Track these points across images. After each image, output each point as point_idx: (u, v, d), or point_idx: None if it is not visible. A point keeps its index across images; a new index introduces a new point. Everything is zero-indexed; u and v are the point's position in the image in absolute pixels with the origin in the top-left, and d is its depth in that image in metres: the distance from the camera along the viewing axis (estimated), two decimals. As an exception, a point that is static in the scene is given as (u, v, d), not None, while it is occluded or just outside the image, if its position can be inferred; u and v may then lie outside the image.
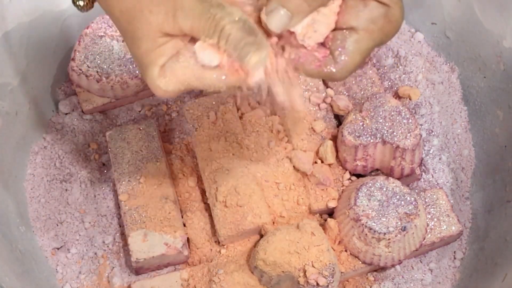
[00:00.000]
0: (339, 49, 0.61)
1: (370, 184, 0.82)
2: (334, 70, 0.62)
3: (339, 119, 0.92)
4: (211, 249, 0.84)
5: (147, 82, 0.61)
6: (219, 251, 0.84)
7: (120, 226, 0.88)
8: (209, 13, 0.57)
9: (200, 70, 0.59)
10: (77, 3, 0.65)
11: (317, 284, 0.76)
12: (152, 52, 0.60)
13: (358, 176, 0.88)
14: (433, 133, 0.94)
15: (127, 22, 0.60)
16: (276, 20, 0.59)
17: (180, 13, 0.57)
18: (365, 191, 0.81)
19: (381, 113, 0.85)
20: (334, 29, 0.62)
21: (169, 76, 0.60)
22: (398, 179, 0.84)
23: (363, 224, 0.80)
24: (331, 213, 0.86)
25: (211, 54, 0.59)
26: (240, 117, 0.90)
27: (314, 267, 0.77)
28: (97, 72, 0.90)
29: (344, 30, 0.62)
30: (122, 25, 0.61)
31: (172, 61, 0.60)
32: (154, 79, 0.60)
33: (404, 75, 0.97)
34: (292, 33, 0.61)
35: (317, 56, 0.62)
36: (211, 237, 0.85)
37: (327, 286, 0.76)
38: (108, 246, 0.88)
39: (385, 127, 0.85)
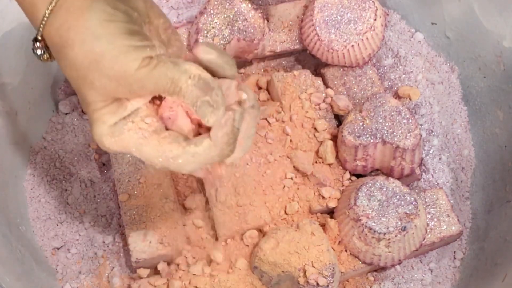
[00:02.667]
0: None
1: (370, 184, 0.82)
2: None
3: (339, 119, 0.92)
4: (211, 249, 0.84)
5: (92, 134, 0.62)
6: (219, 251, 0.84)
7: (120, 226, 0.88)
8: (165, 77, 0.60)
9: (146, 141, 0.62)
10: (41, 57, 0.65)
11: (317, 284, 0.76)
12: (99, 111, 0.61)
13: (358, 176, 0.88)
14: (433, 133, 0.94)
15: (78, 87, 0.61)
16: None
17: (138, 84, 0.60)
18: (365, 191, 0.81)
19: (381, 113, 0.85)
20: None
21: (116, 139, 0.62)
22: (398, 179, 0.84)
23: (363, 224, 0.80)
24: (331, 213, 0.86)
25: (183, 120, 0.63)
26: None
27: (314, 267, 0.77)
28: (97, 72, 0.90)
29: None
30: (74, 87, 0.62)
31: (123, 124, 0.62)
32: (100, 135, 0.62)
33: (404, 75, 0.97)
34: None
35: None
36: (211, 237, 0.85)
37: (327, 286, 0.76)
38: (108, 246, 0.88)
39: (385, 127, 0.85)
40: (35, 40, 0.62)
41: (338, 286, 0.82)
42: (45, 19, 0.60)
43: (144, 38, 0.61)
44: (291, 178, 0.86)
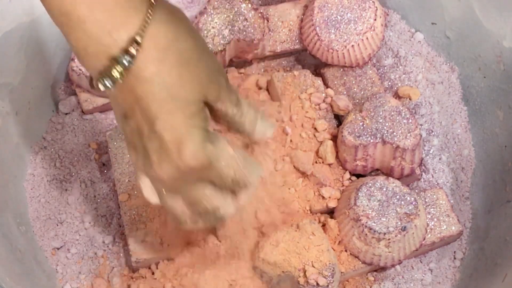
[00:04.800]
0: None
1: (370, 184, 0.82)
2: None
3: (339, 119, 0.92)
4: (212, 249, 0.84)
5: (185, 146, 0.59)
6: (219, 251, 0.84)
7: (120, 226, 0.88)
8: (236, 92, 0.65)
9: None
10: (104, 82, 0.59)
11: (317, 284, 0.76)
12: (197, 116, 0.60)
13: (358, 176, 0.88)
14: (433, 133, 0.94)
15: (175, 83, 0.59)
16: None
17: (225, 83, 0.64)
18: (365, 191, 0.81)
19: (381, 113, 0.85)
20: None
21: (215, 145, 0.61)
22: (398, 179, 0.84)
23: (363, 224, 0.80)
24: (331, 213, 0.86)
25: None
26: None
27: (314, 267, 0.77)
28: (97, 72, 0.90)
29: None
30: (163, 96, 0.58)
31: (214, 136, 0.62)
32: (201, 141, 0.60)
33: (404, 75, 0.97)
34: None
35: None
36: (211, 237, 0.85)
37: (327, 286, 0.76)
38: (108, 246, 0.88)
39: (385, 127, 0.85)
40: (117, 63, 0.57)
41: (338, 286, 0.82)
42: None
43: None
44: (291, 178, 0.86)
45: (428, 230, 0.84)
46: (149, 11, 0.56)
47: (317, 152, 0.88)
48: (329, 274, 0.77)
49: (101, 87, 0.57)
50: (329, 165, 0.87)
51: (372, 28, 0.91)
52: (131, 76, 0.56)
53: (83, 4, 0.54)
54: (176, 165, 0.60)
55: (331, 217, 0.85)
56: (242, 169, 0.64)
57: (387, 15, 1.00)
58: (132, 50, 0.55)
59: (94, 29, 0.55)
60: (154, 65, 0.56)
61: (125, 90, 0.57)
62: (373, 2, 0.92)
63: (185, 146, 0.59)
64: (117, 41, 0.55)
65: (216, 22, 0.91)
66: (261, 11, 0.94)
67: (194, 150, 0.59)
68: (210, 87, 0.61)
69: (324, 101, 0.91)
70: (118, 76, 0.56)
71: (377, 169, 0.88)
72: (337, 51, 0.91)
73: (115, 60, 0.55)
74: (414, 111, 0.94)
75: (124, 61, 0.55)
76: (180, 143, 0.59)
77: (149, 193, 0.66)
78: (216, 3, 0.92)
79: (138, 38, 0.55)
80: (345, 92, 0.93)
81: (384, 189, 0.81)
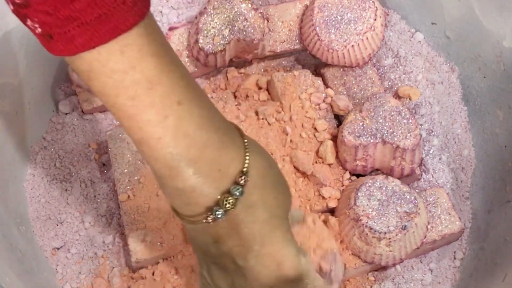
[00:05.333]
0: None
1: (370, 184, 0.82)
2: None
3: (339, 119, 0.92)
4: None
5: (286, 258, 0.64)
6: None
7: (120, 226, 0.88)
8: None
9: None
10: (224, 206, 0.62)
11: (320, 269, 0.76)
12: (290, 233, 0.65)
13: (358, 176, 0.88)
14: (433, 133, 0.94)
15: (275, 204, 0.63)
16: None
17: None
18: (364, 190, 0.81)
19: (381, 113, 0.85)
20: None
21: (300, 257, 0.66)
22: (398, 179, 0.84)
23: (363, 224, 0.80)
24: (331, 213, 0.86)
25: None
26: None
27: (315, 254, 0.77)
28: (97, 72, 0.90)
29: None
30: (270, 209, 0.63)
31: (301, 250, 0.67)
32: (295, 254, 0.65)
33: (404, 75, 0.97)
34: None
35: None
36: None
37: (330, 272, 0.76)
38: (108, 246, 0.87)
39: (385, 127, 0.85)
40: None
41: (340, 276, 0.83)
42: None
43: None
44: (291, 178, 0.86)
45: (429, 228, 0.84)
46: (245, 145, 0.61)
47: (317, 152, 0.88)
48: (332, 259, 0.76)
49: (209, 220, 0.60)
50: (329, 165, 0.87)
51: (372, 28, 0.91)
52: (239, 204, 0.60)
53: (194, 148, 0.57)
54: (275, 276, 0.64)
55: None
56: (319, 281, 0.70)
57: (387, 15, 1.00)
58: (242, 182, 0.59)
59: (205, 168, 0.58)
60: (259, 190, 0.61)
61: (229, 217, 0.61)
62: (373, 2, 0.92)
63: (286, 258, 0.64)
64: (229, 175, 0.59)
65: (216, 22, 0.91)
66: (261, 11, 0.94)
67: (293, 261, 0.64)
68: (290, 202, 0.67)
69: (324, 101, 0.91)
70: (230, 207, 0.59)
71: (377, 169, 0.88)
72: (337, 51, 0.91)
73: (228, 193, 0.59)
74: (414, 111, 0.94)
75: (236, 192, 0.59)
76: (280, 256, 0.64)
77: None
78: (216, 3, 0.92)
79: (246, 170, 0.60)
80: (345, 92, 0.93)
81: (384, 189, 0.81)
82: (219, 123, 0.59)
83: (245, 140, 0.61)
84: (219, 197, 0.59)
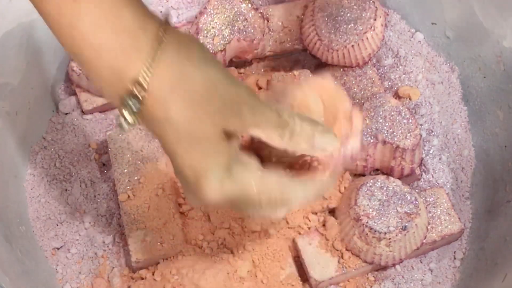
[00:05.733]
0: None
1: (371, 184, 0.82)
2: None
3: (339, 119, 0.92)
4: (212, 249, 0.84)
5: (202, 188, 0.59)
6: (218, 251, 0.84)
7: (120, 226, 0.88)
8: (277, 110, 0.61)
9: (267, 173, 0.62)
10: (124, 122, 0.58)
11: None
12: (214, 148, 0.58)
13: (358, 176, 0.88)
14: (433, 133, 0.94)
15: (187, 122, 0.57)
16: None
17: (248, 111, 0.59)
18: (365, 190, 0.81)
19: (381, 113, 0.85)
20: None
21: (236, 180, 0.59)
22: (398, 179, 0.84)
23: (363, 224, 0.80)
24: (331, 213, 0.86)
25: None
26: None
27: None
28: (97, 72, 0.90)
29: None
30: (180, 132, 0.58)
31: (237, 163, 0.60)
32: (218, 180, 0.58)
33: (404, 75, 0.97)
34: None
35: None
36: (210, 237, 0.85)
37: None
38: (108, 246, 0.87)
39: (385, 127, 0.85)
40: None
41: (338, 285, 0.83)
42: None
43: None
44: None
45: (429, 229, 0.84)
46: (157, 52, 0.55)
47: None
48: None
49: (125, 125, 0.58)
50: (329, 165, 0.87)
51: (372, 28, 0.91)
52: (143, 118, 0.57)
53: (87, 51, 0.55)
54: (199, 200, 0.60)
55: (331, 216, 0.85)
56: (279, 194, 0.62)
57: (387, 15, 1.00)
58: (138, 93, 0.55)
59: (103, 72, 0.55)
60: (163, 107, 0.56)
61: (143, 123, 0.58)
62: (373, 2, 0.92)
63: (202, 187, 0.59)
64: (125, 84, 0.55)
65: (216, 22, 0.91)
66: (261, 11, 0.94)
67: (210, 189, 0.59)
68: (228, 118, 0.59)
69: (324, 101, 0.91)
70: (131, 118, 0.57)
71: (377, 169, 0.88)
72: (337, 51, 0.91)
73: (125, 103, 0.56)
74: (414, 111, 0.94)
75: (131, 104, 0.56)
76: (198, 182, 0.59)
77: None
78: (216, 3, 0.92)
79: (143, 81, 0.55)
80: (345, 92, 0.93)
81: (385, 189, 0.81)
82: (125, 24, 0.55)
83: (163, 45, 0.55)
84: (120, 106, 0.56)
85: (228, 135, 0.59)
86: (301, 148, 0.63)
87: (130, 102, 0.55)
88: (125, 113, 0.56)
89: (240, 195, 0.60)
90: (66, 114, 0.96)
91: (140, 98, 0.55)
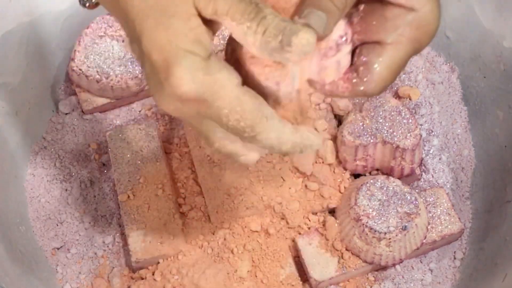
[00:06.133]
0: (362, 67, 0.56)
1: (371, 184, 0.82)
2: (362, 88, 0.56)
3: (339, 119, 0.92)
4: (212, 249, 0.84)
5: (171, 73, 0.50)
6: (218, 251, 0.84)
7: (120, 226, 0.88)
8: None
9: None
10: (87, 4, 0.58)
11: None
12: (189, 35, 0.50)
13: (358, 176, 0.88)
14: (433, 133, 0.94)
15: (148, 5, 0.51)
16: (316, 21, 0.51)
17: None
18: (365, 190, 0.81)
19: (381, 113, 0.85)
20: (363, 44, 0.57)
21: (211, 76, 0.50)
22: (398, 179, 0.84)
23: (363, 224, 0.80)
24: (331, 212, 0.86)
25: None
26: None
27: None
28: (97, 72, 0.90)
29: (370, 44, 0.56)
30: (148, 3, 0.51)
31: (217, 59, 0.51)
32: (191, 69, 0.50)
33: (404, 75, 0.97)
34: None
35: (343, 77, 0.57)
36: (210, 237, 0.85)
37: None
38: (108, 246, 0.88)
39: (385, 127, 0.85)
40: None
41: (339, 286, 0.83)
42: None
43: None
44: (291, 178, 0.86)
45: (429, 229, 0.84)
46: None
47: (317, 152, 0.88)
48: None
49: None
50: (329, 165, 0.87)
51: (372, 28, 0.91)
52: None
53: None
54: (167, 93, 0.51)
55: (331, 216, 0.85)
56: (251, 116, 0.52)
57: (387, 15, 1.00)
58: None
59: None
60: None
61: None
62: (373, 2, 0.92)
63: (172, 74, 0.50)
64: None
65: (216, 22, 0.91)
66: (261, 11, 0.94)
67: (182, 78, 0.50)
68: None
69: (324, 101, 0.91)
70: None
71: (377, 169, 0.88)
72: (337, 51, 0.91)
73: None
74: (414, 111, 0.94)
75: None
76: (167, 69, 0.50)
77: None
78: (216, 3, 0.92)
79: None
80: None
81: (385, 189, 0.82)
82: None
83: None
84: None
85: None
86: (271, 47, 0.50)
87: None
88: None
89: (211, 97, 0.51)
90: (66, 114, 0.96)
91: None
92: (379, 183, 0.82)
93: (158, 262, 0.83)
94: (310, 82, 0.56)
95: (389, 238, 0.79)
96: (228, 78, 0.51)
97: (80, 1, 0.58)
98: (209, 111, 0.52)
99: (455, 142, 0.94)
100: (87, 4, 0.59)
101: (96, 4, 0.60)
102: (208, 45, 0.51)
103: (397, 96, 0.95)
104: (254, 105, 0.52)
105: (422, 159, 0.90)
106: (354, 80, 0.57)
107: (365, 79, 0.56)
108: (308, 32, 0.49)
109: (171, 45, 0.50)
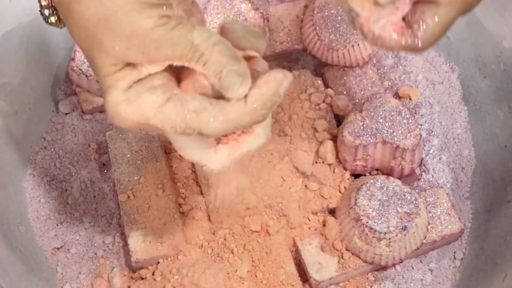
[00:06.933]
0: (417, 24, 0.61)
1: (371, 184, 0.82)
2: (414, 42, 0.62)
3: (339, 119, 0.92)
4: (212, 249, 0.84)
5: (106, 108, 0.55)
6: (218, 251, 0.84)
7: (120, 226, 0.88)
8: (185, 40, 0.53)
9: (165, 101, 0.54)
10: (49, 19, 0.61)
11: None
12: (111, 77, 0.55)
13: (358, 176, 0.88)
14: (433, 133, 0.94)
15: (87, 49, 0.56)
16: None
17: (153, 45, 0.53)
18: (365, 190, 0.81)
19: (381, 113, 0.85)
20: (417, 2, 0.62)
21: (132, 105, 0.54)
22: (398, 179, 0.84)
23: (363, 224, 0.80)
24: (331, 212, 0.86)
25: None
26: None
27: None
28: (97, 72, 0.90)
29: (426, 3, 0.61)
30: (83, 51, 0.56)
31: (139, 87, 0.55)
32: (114, 104, 0.55)
33: (404, 75, 0.97)
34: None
35: (396, 27, 0.62)
36: (210, 237, 0.85)
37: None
38: (108, 246, 0.88)
39: (385, 127, 0.85)
40: None
41: (339, 286, 0.83)
42: None
43: None
44: (291, 178, 0.86)
45: (429, 229, 0.84)
46: None
47: (317, 152, 0.88)
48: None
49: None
50: (329, 165, 0.87)
51: (372, 28, 0.91)
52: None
53: None
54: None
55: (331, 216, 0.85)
56: (185, 121, 0.54)
57: (387, 15, 1.00)
58: None
59: None
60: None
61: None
62: (373, 2, 0.92)
63: (105, 102, 0.55)
64: None
65: (216, 22, 0.91)
66: (261, 11, 0.94)
67: (110, 109, 0.55)
68: (126, 53, 0.54)
69: (324, 101, 0.91)
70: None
71: (377, 169, 0.88)
72: (337, 51, 0.91)
73: None
74: (414, 111, 0.94)
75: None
76: (104, 97, 0.56)
77: None
78: (216, 2, 0.92)
79: None
80: (345, 92, 0.93)
81: (385, 189, 0.82)
82: None
83: None
84: None
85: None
86: (210, 79, 0.54)
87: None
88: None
89: (143, 119, 0.55)
90: (66, 114, 0.96)
91: None
92: (379, 183, 0.82)
93: (158, 262, 0.83)
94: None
95: (389, 238, 0.79)
96: (151, 99, 0.54)
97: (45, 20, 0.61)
98: (150, 128, 0.56)
99: (455, 142, 0.94)
100: (53, 20, 0.60)
101: (61, 23, 0.61)
102: (129, 77, 0.54)
103: (397, 96, 0.95)
104: (182, 111, 0.54)
105: (422, 159, 0.90)
106: (408, 35, 0.62)
107: (419, 34, 0.61)
108: (244, 85, 0.54)
109: (100, 76, 0.55)
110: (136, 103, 0.54)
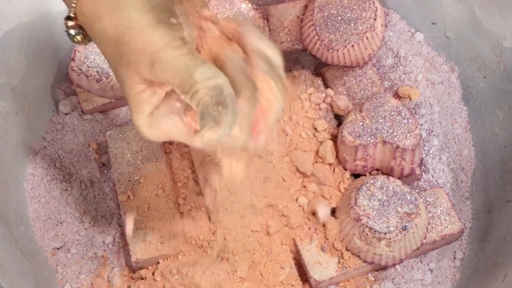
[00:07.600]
0: None
1: (371, 184, 0.82)
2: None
3: (339, 119, 0.92)
4: (212, 249, 0.84)
5: (133, 122, 0.61)
6: (218, 252, 0.84)
7: (120, 226, 0.88)
8: (187, 72, 0.55)
9: (185, 130, 0.61)
10: (75, 38, 0.63)
11: None
12: (136, 98, 0.59)
13: (358, 176, 0.88)
14: (433, 133, 0.94)
15: (114, 65, 0.59)
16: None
17: (158, 64, 0.56)
18: (365, 190, 0.81)
19: (381, 113, 0.85)
20: None
21: (155, 129, 0.60)
22: (398, 179, 0.84)
23: (363, 224, 0.80)
24: (331, 213, 0.86)
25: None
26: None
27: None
28: (97, 72, 0.90)
29: None
30: (112, 68, 0.60)
31: (159, 114, 0.60)
32: (140, 126, 0.60)
33: (404, 75, 0.97)
34: None
35: None
36: (210, 237, 0.85)
37: None
38: (108, 246, 0.88)
39: (385, 127, 0.85)
40: (68, 18, 0.60)
41: (339, 286, 0.83)
42: None
43: (174, 16, 0.57)
44: (291, 178, 0.86)
45: (429, 229, 0.84)
46: None
47: (317, 152, 0.88)
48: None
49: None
50: (329, 165, 0.87)
51: (372, 28, 0.91)
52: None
53: None
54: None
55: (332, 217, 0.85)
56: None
57: (387, 15, 1.00)
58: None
59: None
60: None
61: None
62: (373, 2, 0.92)
63: (132, 119, 0.60)
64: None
65: (216, 22, 0.91)
66: (261, 11, 0.94)
67: (136, 127, 0.60)
68: (137, 69, 0.57)
69: (324, 101, 0.91)
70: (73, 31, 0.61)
71: (377, 169, 0.88)
72: (337, 51, 0.91)
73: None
74: (414, 111, 0.94)
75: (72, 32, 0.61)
76: (130, 113, 0.60)
77: None
78: (216, 2, 0.92)
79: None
80: (345, 92, 0.93)
81: (385, 189, 0.82)
82: None
83: None
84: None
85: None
86: (191, 105, 0.58)
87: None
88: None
89: (166, 137, 0.61)
90: (66, 114, 0.96)
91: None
92: (379, 183, 0.82)
93: (158, 262, 0.83)
94: None
95: (389, 238, 0.79)
96: (170, 124, 0.60)
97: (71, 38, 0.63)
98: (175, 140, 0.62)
99: (455, 142, 0.94)
100: (79, 39, 0.62)
101: (86, 41, 0.64)
102: (151, 102, 0.59)
103: (397, 96, 0.95)
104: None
105: (422, 159, 0.90)
106: None
107: None
108: (212, 132, 0.57)
109: (126, 92, 0.59)
110: (157, 128, 0.60)
